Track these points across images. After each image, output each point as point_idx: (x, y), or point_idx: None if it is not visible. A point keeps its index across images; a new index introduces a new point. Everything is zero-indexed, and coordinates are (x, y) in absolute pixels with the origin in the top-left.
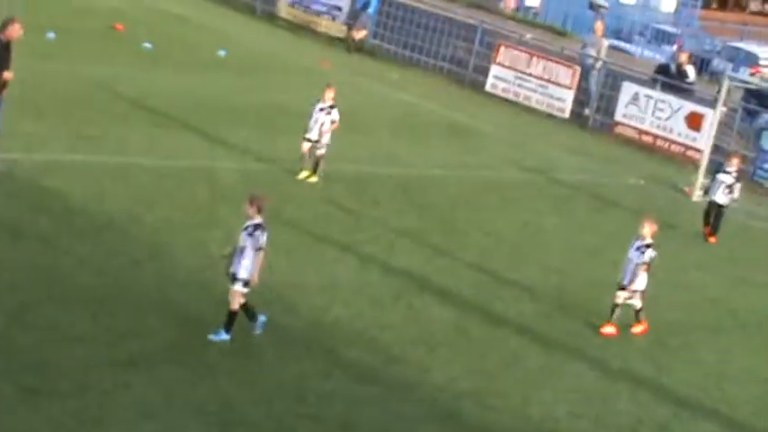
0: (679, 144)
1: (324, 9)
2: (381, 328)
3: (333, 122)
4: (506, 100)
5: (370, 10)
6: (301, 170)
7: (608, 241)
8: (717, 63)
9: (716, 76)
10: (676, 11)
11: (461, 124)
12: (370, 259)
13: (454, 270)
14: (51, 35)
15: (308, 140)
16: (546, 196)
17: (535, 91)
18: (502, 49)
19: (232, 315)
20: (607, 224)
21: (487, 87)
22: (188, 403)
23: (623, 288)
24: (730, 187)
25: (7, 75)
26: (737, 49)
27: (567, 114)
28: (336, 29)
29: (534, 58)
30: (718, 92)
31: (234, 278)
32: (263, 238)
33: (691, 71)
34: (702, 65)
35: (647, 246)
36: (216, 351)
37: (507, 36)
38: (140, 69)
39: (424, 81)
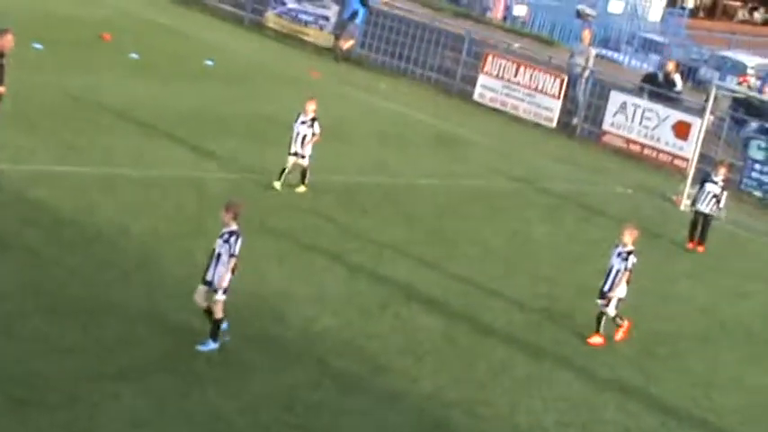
0: (666, 153)
1: (311, 19)
2: (369, 337)
3: (314, 135)
4: (494, 109)
5: (358, 20)
6: (278, 179)
7: (596, 250)
8: (704, 72)
9: (703, 85)
10: (663, 20)
11: (449, 133)
12: (359, 269)
13: (442, 279)
14: (38, 46)
15: (293, 155)
16: (534, 205)
17: (523, 100)
18: (489, 58)
19: (217, 323)
20: (595, 233)
21: (475, 97)
22: (177, 413)
23: (603, 295)
24: (717, 197)
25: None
26: (725, 58)
27: (554, 123)
28: (324, 38)
29: (522, 68)
30: (706, 101)
31: (214, 288)
32: (237, 245)
33: (678, 80)
34: (690, 74)
35: (629, 252)
36: (204, 361)
37: (495, 45)
38: (128, 79)
39: (412, 90)
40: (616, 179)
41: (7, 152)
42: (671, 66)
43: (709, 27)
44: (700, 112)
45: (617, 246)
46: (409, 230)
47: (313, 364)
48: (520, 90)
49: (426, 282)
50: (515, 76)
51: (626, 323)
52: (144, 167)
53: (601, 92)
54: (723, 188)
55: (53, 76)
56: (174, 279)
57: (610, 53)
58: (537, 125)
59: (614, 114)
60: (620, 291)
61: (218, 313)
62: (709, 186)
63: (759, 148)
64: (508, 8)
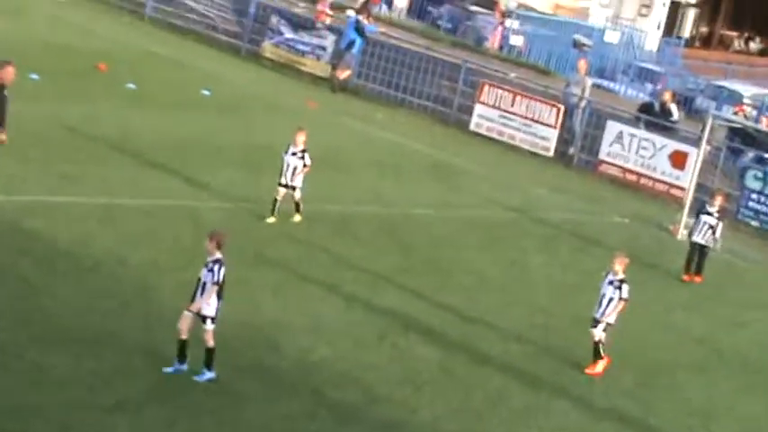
0: (663, 183)
1: (308, 49)
2: (366, 367)
3: (305, 166)
4: (491, 139)
5: (355, 50)
6: (271, 214)
7: (592, 280)
8: (700, 101)
9: (700, 115)
10: (659, 49)
11: (445, 163)
12: (355, 299)
13: (438, 309)
14: (35, 76)
15: (284, 186)
16: (530, 235)
17: (519, 130)
18: (486, 88)
19: (210, 353)
20: (591, 263)
21: (472, 126)
22: None
23: (597, 322)
24: (713, 228)
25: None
26: (721, 87)
27: (551, 153)
28: (321, 68)
29: (518, 97)
30: (702, 130)
31: (202, 318)
32: (220, 273)
33: (674, 110)
34: (686, 103)
35: (621, 281)
36: (201, 391)
37: (491, 75)
38: (124, 109)
39: (409, 120)
40: (613, 209)
41: (2, 182)
42: (667, 95)
43: (706, 57)
44: (696, 142)
45: (608, 273)
46: (405, 260)
47: (309, 395)
48: (516, 120)
49: (422, 312)
50: (512, 105)
51: (605, 360)
52: (140, 197)
53: (597, 121)
54: (719, 219)
55: (49, 107)
56: (171, 310)
57: (606, 83)
58: (533, 155)
59: (611, 144)
60: (612, 317)
61: (210, 342)
62: (704, 217)
63: (756, 177)
64: (505, 38)
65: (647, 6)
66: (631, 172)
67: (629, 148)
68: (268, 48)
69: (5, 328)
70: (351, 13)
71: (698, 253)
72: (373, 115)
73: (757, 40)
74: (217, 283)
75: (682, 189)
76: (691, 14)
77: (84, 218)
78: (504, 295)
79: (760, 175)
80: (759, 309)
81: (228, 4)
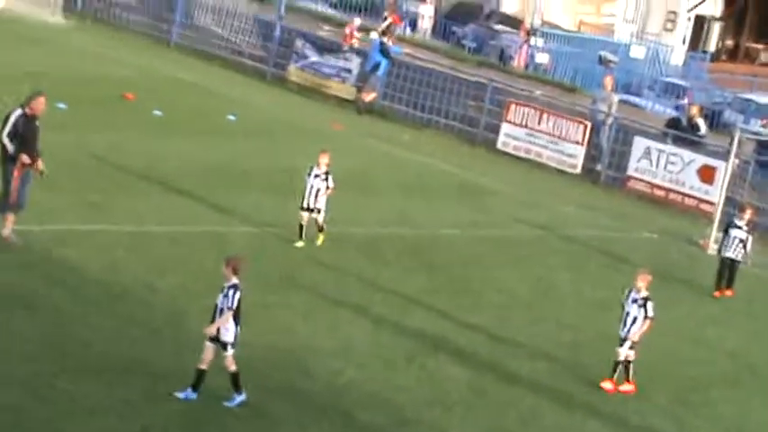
0: (692, 197)
1: (333, 72)
2: (396, 389)
3: (328, 188)
4: (518, 157)
5: (380, 72)
6: (299, 239)
7: (622, 296)
8: (728, 115)
9: (727, 129)
10: (685, 63)
11: (473, 183)
12: (383, 320)
13: (467, 329)
14: (62, 105)
15: (307, 209)
16: (558, 253)
17: (546, 147)
18: (512, 106)
19: (235, 377)
20: (620, 279)
21: (499, 145)
22: None
23: (624, 341)
24: (743, 242)
25: (25, 159)
26: (748, 100)
27: (578, 170)
28: (346, 91)
29: (544, 115)
30: (730, 144)
31: (222, 345)
32: (235, 298)
33: (702, 124)
34: (713, 117)
35: (645, 299)
36: (232, 417)
37: (517, 93)
38: (151, 137)
39: (435, 141)
40: (641, 225)
41: (33, 212)
42: (694, 110)
43: (732, 70)
44: (724, 156)
45: (631, 291)
46: (433, 281)
47: (339, 417)
48: (543, 137)
49: (451, 332)
50: (538, 123)
51: (631, 386)
52: (168, 224)
53: (624, 138)
54: (749, 232)
55: (77, 135)
56: (199, 335)
57: (632, 98)
58: (561, 172)
59: (638, 160)
60: (636, 336)
61: (232, 367)
62: (734, 232)
63: None
64: (530, 56)
65: (672, 21)
66: (659, 187)
67: (656, 164)
68: (293, 71)
69: (37, 358)
70: (375, 35)
71: (729, 267)
72: (400, 136)
73: None
74: (231, 308)
75: (711, 203)
76: (716, 28)
77: (113, 246)
78: (532, 313)
79: None
80: None
81: (253, 29)
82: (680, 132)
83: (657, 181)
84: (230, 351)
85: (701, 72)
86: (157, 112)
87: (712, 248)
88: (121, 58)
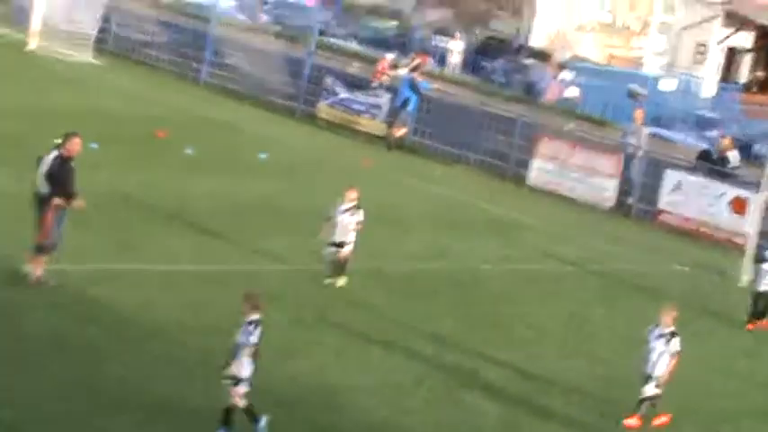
0: (724, 230)
1: (363, 108)
2: (430, 425)
3: (358, 223)
4: (548, 191)
5: (410, 107)
6: (329, 276)
7: None
8: (759, 147)
9: (759, 160)
10: (717, 95)
11: (503, 218)
12: (416, 356)
13: (500, 364)
14: (94, 145)
15: (336, 245)
16: (590, 287)
17: (577, 181)
18: (542, 140)
19: (248, 411)
20: (652, 313)
21: (529, 180)
22: None
23: (649, 378)
24: None
25: (78, 203)
26: None
27: (609, 204)
28: (376, 127)
29: (576, 149)
30: (763, 176)
31: (235, 380)
32: (254, 334)
33: (733, 156)
34: (745, 149)
35: (672, 333)
36: None
37: (547, 127)
38: (182, 175)
39: (466, 176)
40: (673, 258)
41: (68, 251)
42: (726, 142)
43: (763, 101)
44: (756, 187)
45: (656, 327)
46: (466, 316)
47: None
48: (574, 171)
49: (485, 367)
50: (569, 157)
51: (664, 418)
52: (199, 263)
53: (655, 171)
54: None
55: (109, 175)
56: None
57: (663, 131)
58: (592, 206)
59: (670, 193)
60: (664, 370)
61: (241, 402)
62: (765, 266)
63: None
64: (560, 90)
65: (702, 54)
66: (691, 220)
67: (688, 197)
68: (323, 108)
69: (72, 397)
70: (404, 71)
71: (763, 300)
72: (430, 172)
73: None
74: (255, 344)
75: (743, 236)
76: (747, 60)
77: (145, 284)
78: (565, 348)
79: None
80: None
81: (283, 67)
82: (711, 165)
83: (689, 214)
84: (242, 387)
85: (733, 103)
86: (189, 151)
87: (744, 281)
88: (153, 97)
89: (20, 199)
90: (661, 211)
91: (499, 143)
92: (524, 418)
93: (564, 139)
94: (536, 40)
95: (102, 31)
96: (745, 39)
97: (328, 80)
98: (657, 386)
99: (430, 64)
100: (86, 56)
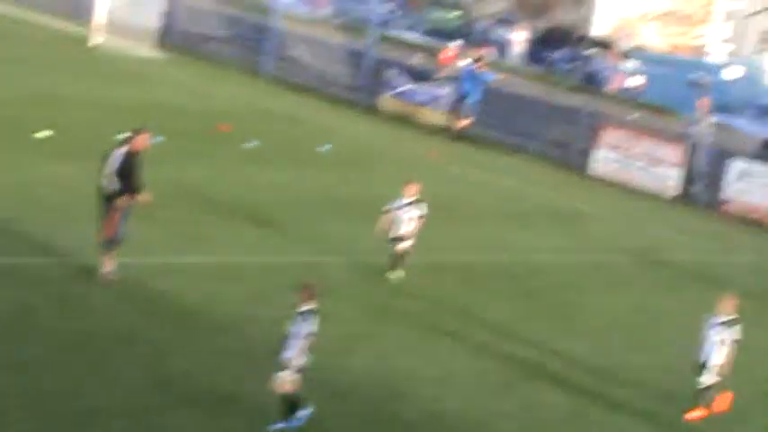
0: None
1: (426, 99)
2: (496, 416)
3: (421, 217)
4: (611, 181)
5: (473, 98)
6: (390, 269)
7: None
8: None
9: None
10: None
11: (567, 208)
12: (482, 347)
13: (566, 355)
14: (159, 138)
15: (400, 239)
16: (655, 277)
17: (640, 170)
18: (605, 130)
19: (292, 400)
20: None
21: (592, 170)
22: None
23: (703, 367)
24: None
25: (144, 197)
26: None
27: (673, 193)
28: (439, 118)
29: (639, 138)
30: None
31: (287, 365)
32: (309, 323)
33: None
34: None
35: (733, 321)
36: None
37: (610, 117)
38: (245, 168)
39: (528, 166)
40: (739, 247)
41: (132, 245)
42: None
43: None
44: None
45: (713, 316)
46: (530, 307)
47: None
48: (637, 161)
49: (550, 358)
50: (632, 147)
51: (702, 411)
52: (264, 255)
53: (720, 160)
54: None
55: (173, 168)
56: None
57: (727, 120)
58: (655, 195)
59: (735, 182)
60: (717, 358)
61: (288, 387)
62: None
63: None
64: (623, 79)
65: (767, 41)
66: (757, 209)
67: (753, 185)
68: (385, 100)
69: (141, 391)
70: (467, 62)
71: None
72: (493, 162)
73: None
74: (312, 334)
75: None
76: None
77: (210, 277)
78: (631, 339)
79: None
80: None
81: (344, 59)
82: None
83: (754, 202)
84: (294, 375)
85: None
86: (251, 144)
87: None
88: (215, 90)
89: (88, 194)
90: (726, 201)
91: (562, 133)
92: (591, 409)
93: (627, 128)
94: (598, 30)
95: (164, 25)
96: None
97: (391, 72)
98: (717, 375)
99: (492, 55)
100: (149, 50)
